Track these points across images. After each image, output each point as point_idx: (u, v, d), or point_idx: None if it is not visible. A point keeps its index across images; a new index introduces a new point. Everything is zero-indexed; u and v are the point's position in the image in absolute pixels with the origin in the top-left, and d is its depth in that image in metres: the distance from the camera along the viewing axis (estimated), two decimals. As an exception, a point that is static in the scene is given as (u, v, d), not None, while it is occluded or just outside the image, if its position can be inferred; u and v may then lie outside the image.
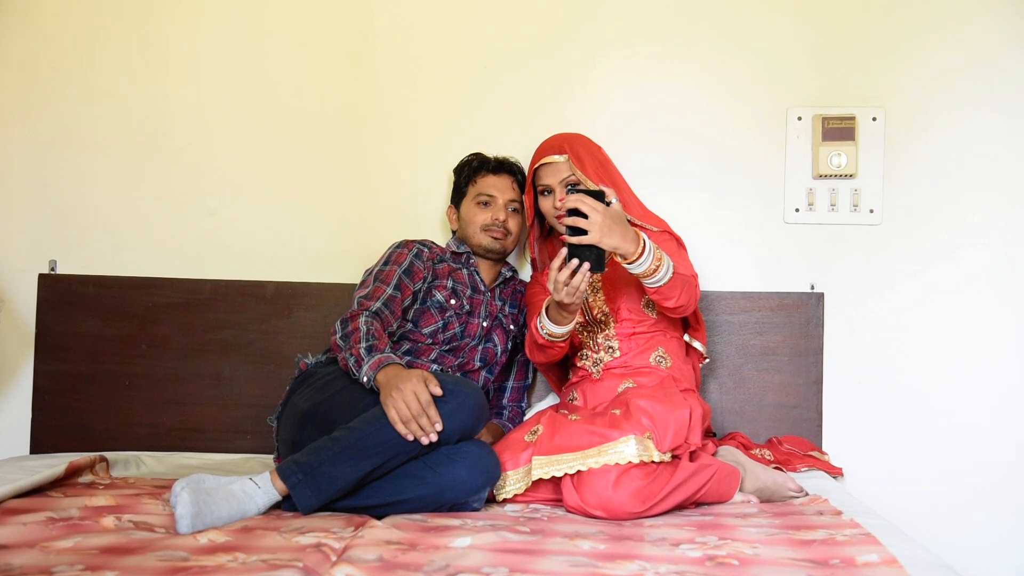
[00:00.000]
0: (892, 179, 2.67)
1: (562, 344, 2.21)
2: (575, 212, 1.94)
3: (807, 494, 2.17)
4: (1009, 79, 2.64)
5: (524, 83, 2.73)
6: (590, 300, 2.35)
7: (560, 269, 1.97)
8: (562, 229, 1.98)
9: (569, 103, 2.72)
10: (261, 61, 2.76)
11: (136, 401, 2.69)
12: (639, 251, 1.98)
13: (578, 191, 1.96)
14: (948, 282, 2.66)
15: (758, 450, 2.47)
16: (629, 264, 2.01)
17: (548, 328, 2.15)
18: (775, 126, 2.70)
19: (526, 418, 2.47)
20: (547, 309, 2.15)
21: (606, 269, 2.00)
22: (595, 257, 1.96)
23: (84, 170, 2.76)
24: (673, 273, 2.06)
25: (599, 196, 1.96)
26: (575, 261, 1.95)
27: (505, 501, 2.06)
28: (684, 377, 2.34)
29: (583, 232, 1.93)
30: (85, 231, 2.76)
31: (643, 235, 2.00)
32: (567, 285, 1.96)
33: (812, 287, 2.68)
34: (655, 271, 2.03)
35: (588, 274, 1.96)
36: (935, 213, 2.66)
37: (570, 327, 2.15)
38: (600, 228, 1.92)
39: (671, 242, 2.30)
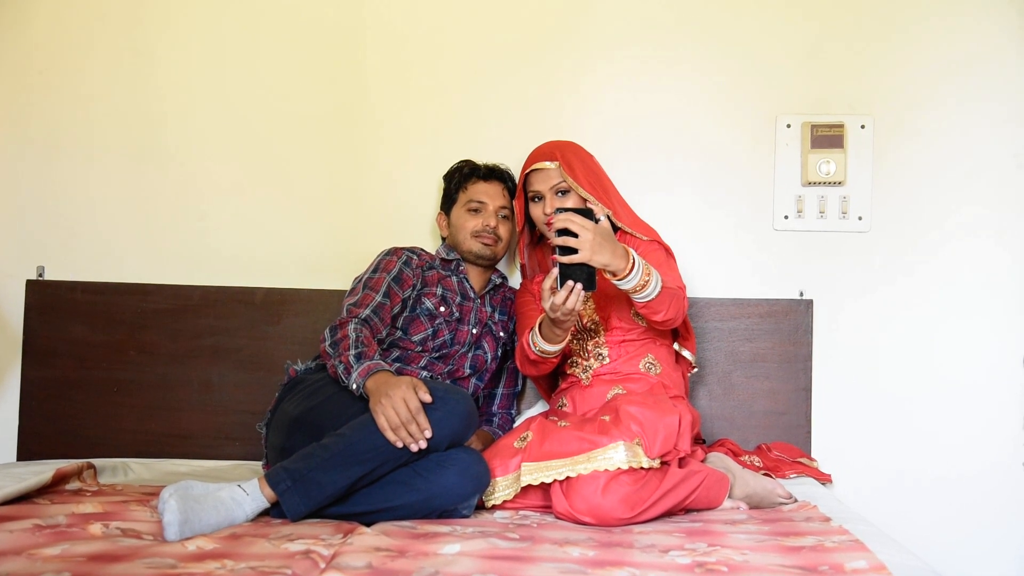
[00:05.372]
0: (880, 186, 2.68)
1: (554, 360, 2.22)
2: (565, 232, 1.94)
3: (796, 500, 2.18)
4: (997, 85, 2.66)
5: (515, 89, 2.73)
6: (580, 310, 2.35)
7: (552, 290, 1.97)
8: (552, 236, 1.98)
9: (559, 109, 2.73)
10: (252, 67, 2.76)
11: (124, 407, 2.68)
12: (628, 267, 1.99)
13: (567, 210, 1.97)
14: (937, 288, 2.67)
15: (747, 456, 2.48)
16: (619, 280, 2.02)
17: (541, 346, 2.16)
18: (764, 133, 2.71)
19: (516, 425, 2.47)
20: (540, 326, 2.15)
21: (596, 288, 2.00)
22: (586, 276, 1.96)
23: (73, 175, 2.75)
24: (661, 288, 2.06)
25: (587, 214, 1.96)
26: (570, 283, 1.95)
27: (495, 508, 2.06)
28: (674, 384, 2.34)
29: (574, 251, 1.93)
30: (74, 236, 2.75)
31: (632, 251, 2.01)
32: (563, 305, 1.97)
33: (801, 294, 2.69)
34: (644, 286, 2.03)
35: (582, 294, 1.96)
36: (924, 220, 2.68)
37: (562, 345, 2.16)
38: (591, 246, 1.93)
39: (660, 252, 2.30)
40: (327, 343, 2.10)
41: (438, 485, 1.91)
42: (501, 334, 2.49)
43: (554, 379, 2.52)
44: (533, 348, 2.18)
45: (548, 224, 2.18)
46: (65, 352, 2.69)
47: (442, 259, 2.47)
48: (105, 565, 1.45)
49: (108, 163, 2.76)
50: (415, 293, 2.36)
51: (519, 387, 2.60)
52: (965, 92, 2.67)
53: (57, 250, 2.74)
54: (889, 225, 2.68)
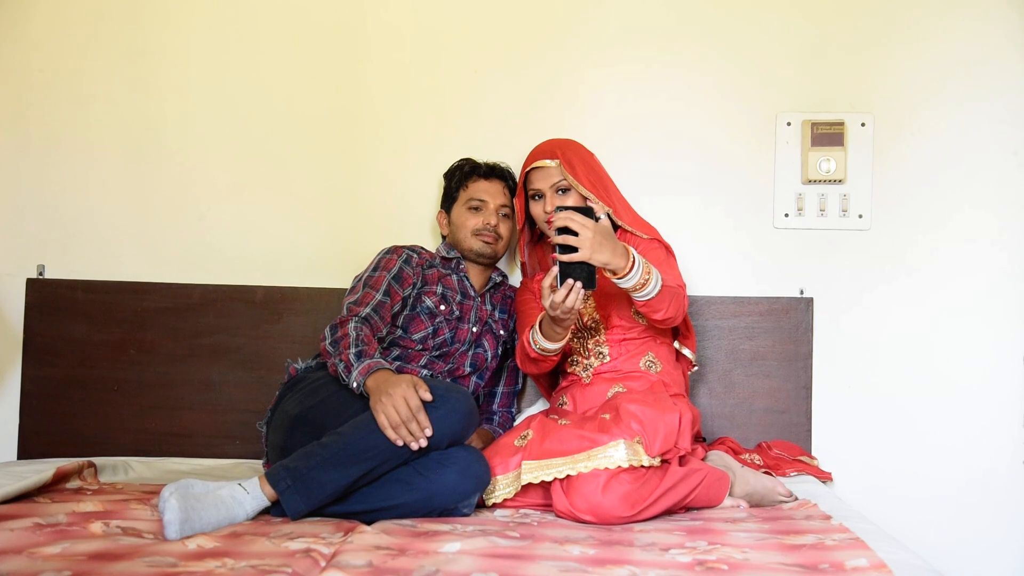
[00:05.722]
0: (881, 184, 2.68)
1: (555, 358, 2.22)
2: (565, 230, 1.94)
3: (796, 499, 2.18)
4: (997, 85, 2.66)
5: (514, 88, 2.73)
6: (580, 308, 2.35)
7: (552, 288, 1.97)
8: (552, 234, 1.98)
9: (559, 108, 2.73)
10: (252, 66, 2.76)
11: (125, 406, 2.68)
12: (628, 266, 1.99)
13: (567, 208, 1.96)
14: (937, 286, 2.67)
15: (748, 455, 2.48)
16: (619, 279, 2.02)
17: (541, 344, 2.16)
18: (764, 131, 2.71)
19: (516, 423, 2.47)
20: (540, 324, 2.15)
21: (596, 286, 2.00)
22: (586, 274, 1.96)
23: (73, 174, 2.75)
24: (662, 286, 2.06)
25: (588, 212, 1.96)
26: (569, 282, 1.95)
27: (495, 506, 2.06)
28: (674, 382, 2.34)
29: (574, 250, 1.93)
30: (74, 235, 2.75)
31: (632, 250, 2.01)
32: (563, 304, 1.97)
33: (801, 292, 2.69)
34: (644, 285, 2.03)
35: (582, 292, 1.96)
36: (924, 218, 2.68)
37: (563, 343, 2.16)
38: (591, 245, 1.92)
39: (660, 250, 2.30)
40: (327, 341, 2.10)
41: (438, 484, 1.91)
42: (501, 332, 2.49)
43: (554, 377, 2.52)
44: (533, 346, 2.19)
45: (548, 222, 2.18)
46: (65, 351, 2.69)
47: (442, 257, 2.47)
48: (106, 564, 1.45)
49: (108, 162, 2.76)
50: (415, 291, 2.36)
51: (519, 385, 2.60)
52: (965, 91, 2.67)
53: (57, 249, 2.75)
54: (889, 223, 2.68)
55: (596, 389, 2.30)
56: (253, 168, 2.76)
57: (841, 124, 2.66)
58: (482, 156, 2.56)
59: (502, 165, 2.53)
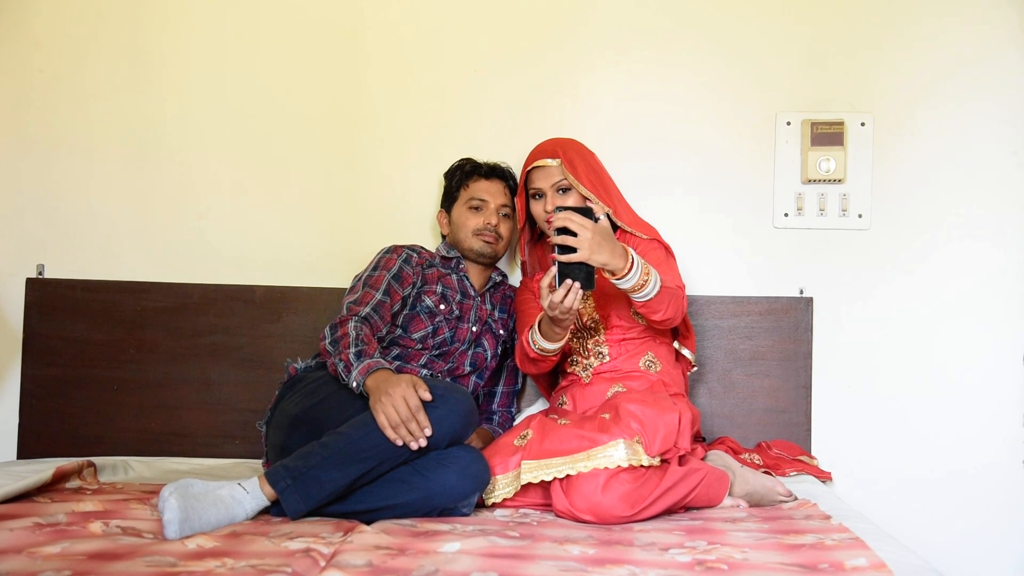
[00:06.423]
0: (880, 184, 2.68)
1: (554, 358, 2.22)
2: (564, 230, 1.94)
3: (796, 498, 2.18)
4: (996, 85, 2.66)
5: (514, 88, 2.73)
6: (580, 308, 2.35)
7: (551, 288, 1.97)
8: (551, 234, 1.98)
9: (559, 108, 2.73)
10: (252, 66, 2.76)
11: (124, 406, 2.69)
12: (627, 266, 1.99)
13: (566, 208, 1.96)
14: (937, 286, 2.67)
15: (747, 454, 2.48)
16: (617, 280, 2.02)
17: (540, 344, 2.16)
18: (764, 131, 2.71)
19: (516, 423, 2.47)
20: (540, 324, 2.15)
21: (595, 287, 2.00)
22: (585, 274, 1.96)
23: (74, 174, 2.75)
24: (660, 287, 2.06)
25: (587, 213, 1.96)
26: (568, 282, 1.95)
27: (495, 506, 2.06)
28: (674, 381, 2.34)
29: (573, 250, 1.93)
30: (74, 235, 2.75)
31: (631, 250, 2.01)
32: (561, 304, 1.97)
33: (801, 291, 2.69)
34: (643, 286, 2.03)
35: (580, 292, 1.96)
36: (923, 217, 2.68)
37: (562, 343, 2.16)
38: (590, 245, 1.93)
39: (660, 251, 2.30)
40: (327, 341, 2.10)
41: (438, 483, 1.91)
42: (501, 332, 2.49)
43: (554, 377, 2.52)
44: (533, 346, 2.19)
45: (548, 222, 2.18)
46: (65, 350, 2.69)
47: (442, 257, 2.47)
48: (105, 563, 1.46)
49: (108, 161, 2.76)
50: (415, 291, 2.36)
51: (519, 385, 2.60)
52: (965, 91, 2.67)
53: (57, 248, 2.75)
54: (889, 223, 2.68)
55: (596, 389, 2.30)
56: (253, 168, 2.76)
57: (841, 124, 2.66)
58: (482, 156, 2.56)
59: (503, 165, 2.53)
